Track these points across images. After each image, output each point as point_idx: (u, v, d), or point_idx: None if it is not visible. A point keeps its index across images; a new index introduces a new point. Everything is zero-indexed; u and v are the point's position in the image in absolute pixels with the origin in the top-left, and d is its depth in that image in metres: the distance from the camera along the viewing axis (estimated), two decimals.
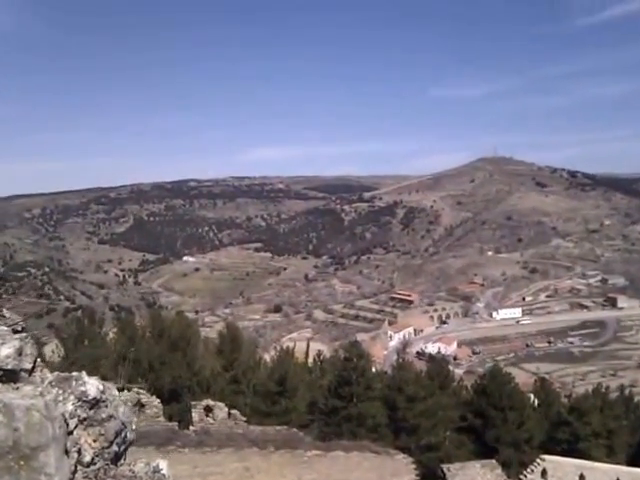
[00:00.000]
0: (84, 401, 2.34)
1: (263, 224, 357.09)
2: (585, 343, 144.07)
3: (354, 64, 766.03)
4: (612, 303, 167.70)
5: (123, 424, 2.58)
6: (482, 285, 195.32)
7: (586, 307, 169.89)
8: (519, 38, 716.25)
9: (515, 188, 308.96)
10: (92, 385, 2.39)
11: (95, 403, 2.38)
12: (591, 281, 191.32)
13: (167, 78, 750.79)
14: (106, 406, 2.44)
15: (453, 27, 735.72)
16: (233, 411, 21.04)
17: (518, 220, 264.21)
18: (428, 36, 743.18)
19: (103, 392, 2.43)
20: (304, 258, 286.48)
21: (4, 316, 3.00)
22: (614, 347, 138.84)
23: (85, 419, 2.36)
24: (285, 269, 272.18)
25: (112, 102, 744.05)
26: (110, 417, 2.46)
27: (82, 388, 2.37)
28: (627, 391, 37.76)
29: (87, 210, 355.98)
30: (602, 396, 32.82)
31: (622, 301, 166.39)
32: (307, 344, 58.52)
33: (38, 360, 2.33)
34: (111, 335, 25.99)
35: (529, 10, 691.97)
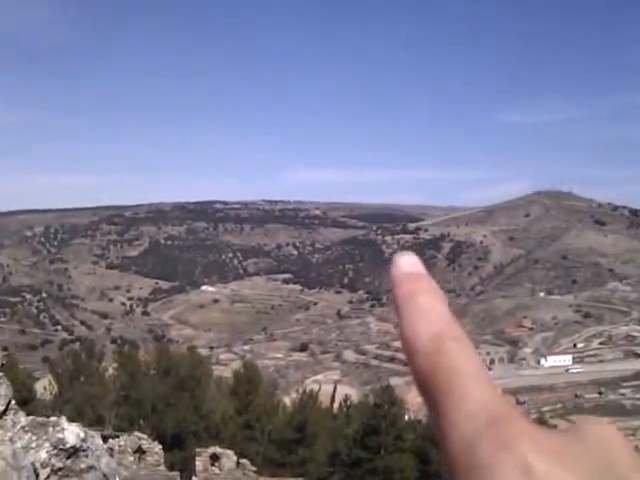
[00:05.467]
0: (61, 449, 2.26)
1: (294, 253, 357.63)
2: (638, 395, 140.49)
3: (405, 83, 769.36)
4: None
5: (105, 476, 2.51)
6: (531, 329, 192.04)
7: None
8: (591, 65, 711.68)
9: (572, 225, 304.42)
10: (71, 432, 2.30)
11: (74, 452, 2.30)
12: None
13: (196, 89, 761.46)
14: (86, 456, 2.36)
15: (525, 48, 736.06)
16: (243, 460, 20.51)
17: (574, 260, 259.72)
18: (496, 56, 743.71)
19: (84, 440, 2.33)
20: (338, 292, 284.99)
21: None
22: None
23: (60, 469, 2.28)
24: (316, 304, 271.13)
25: (133, 112, 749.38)
26: (90, 468, 2.39)
27: (59, 435, 2.27)
28: None
29: (97, 230, 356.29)
30: None
31: None
32: (334, 387, 57.60)
33: (12, 402, 2.26)
34: (110, 371, 25.69)
35: (606, 35, 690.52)
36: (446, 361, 0.81)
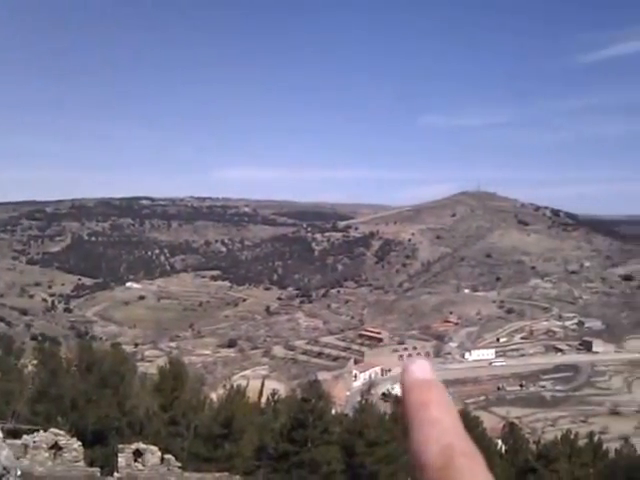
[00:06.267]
0: None
1: (223, 250, 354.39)
2: (558, 388, 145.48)
3: (336, 85, 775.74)
4: (587, 347, 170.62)
5: (5, 469, 2.51)
6: (456, 324, 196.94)
7: (561, 350, 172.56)
8: (516, 70, 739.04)
9: (496, 225, 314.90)
10: None
11: None
12: (567, 323, 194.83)
13: (124, 83, 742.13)
14: None
15: (449, 55, 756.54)
16: (167, 456, 20.19)
17: (497, 258, 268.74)
18: (420, 62, 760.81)
19: None
20: (267, 289, 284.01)
21: None
22: (586, 392, 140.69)
23: None
24: (245, 300, 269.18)
25: (55, 104, 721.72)
26: None
27: None
28: (596, 438, 38.46)
29: (17, 226, 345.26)
30: (571, 443, 33.49)
31: (597, 345, 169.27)
32: (262, 382, 57.52)
33: None
34: (30, 368, 24.84)
35: (531, 43, 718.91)
36: (456, 478, 0.80)
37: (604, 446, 38.66)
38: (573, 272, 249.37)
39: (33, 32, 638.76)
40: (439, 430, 0.83)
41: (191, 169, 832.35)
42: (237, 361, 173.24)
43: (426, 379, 0.91)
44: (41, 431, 17.23)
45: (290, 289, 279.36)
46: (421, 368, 0.93)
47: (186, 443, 24.68)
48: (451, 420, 0.85)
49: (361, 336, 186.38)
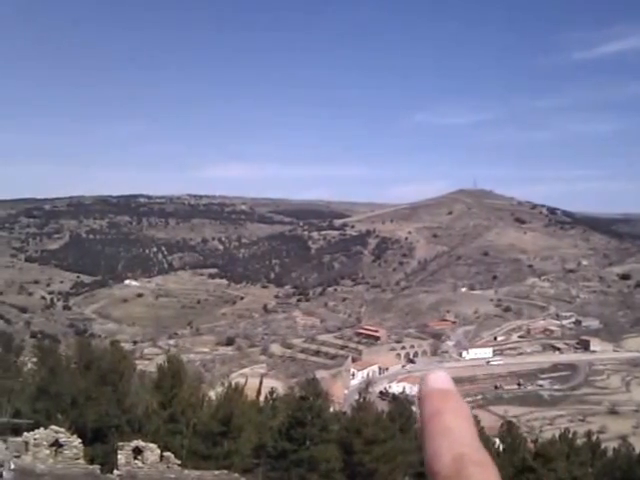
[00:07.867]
0: None
1: (220, 248, 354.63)
2: (555, 387, 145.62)
3: (331, 82, 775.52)
4: (585, 346, 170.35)
5: None
6: (454, 323, 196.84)
7: (558, 349, 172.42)
8: (511, 68, 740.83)
9: (493, 223, 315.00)
10: None
11: None
12: (565, 322, 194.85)
13: (120, 82, 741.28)
14: None
15: (443, 53, 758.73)
16: (166, 453, 20.20)
17: (494, 256, 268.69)
18: (415, 60, 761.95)
19: None
20: (264, 287, 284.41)
21: None
22: (584, 392, 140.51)
23: None
24: (242, 298, 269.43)
25: (52, 102, 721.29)
26: None
27: None
28: (594, 437, 38.50)
29: (15, 223, 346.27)
30: (569, 442, 33.48)
31: (595, 344, 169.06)
32: (260, 380, 57.69)
33: None
34: (29, 365, 24.85)
35: (523, 41, 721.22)
36: None
37: (602, 445, 38.73)
38: (570, 271, 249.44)
39: (33, 31, 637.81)
40: (452, 439, 0.84)
41: (188, 167, 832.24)
42: (235, 359, 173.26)
43: (442, 388, 0.91)
44: (41, 428, 17.30)
45: (287, 287, 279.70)
46: (438, 378, 0.93)
47: (185, 441, 24.71)
48: (465, 429, 0.85)
49: (358, 334, 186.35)
